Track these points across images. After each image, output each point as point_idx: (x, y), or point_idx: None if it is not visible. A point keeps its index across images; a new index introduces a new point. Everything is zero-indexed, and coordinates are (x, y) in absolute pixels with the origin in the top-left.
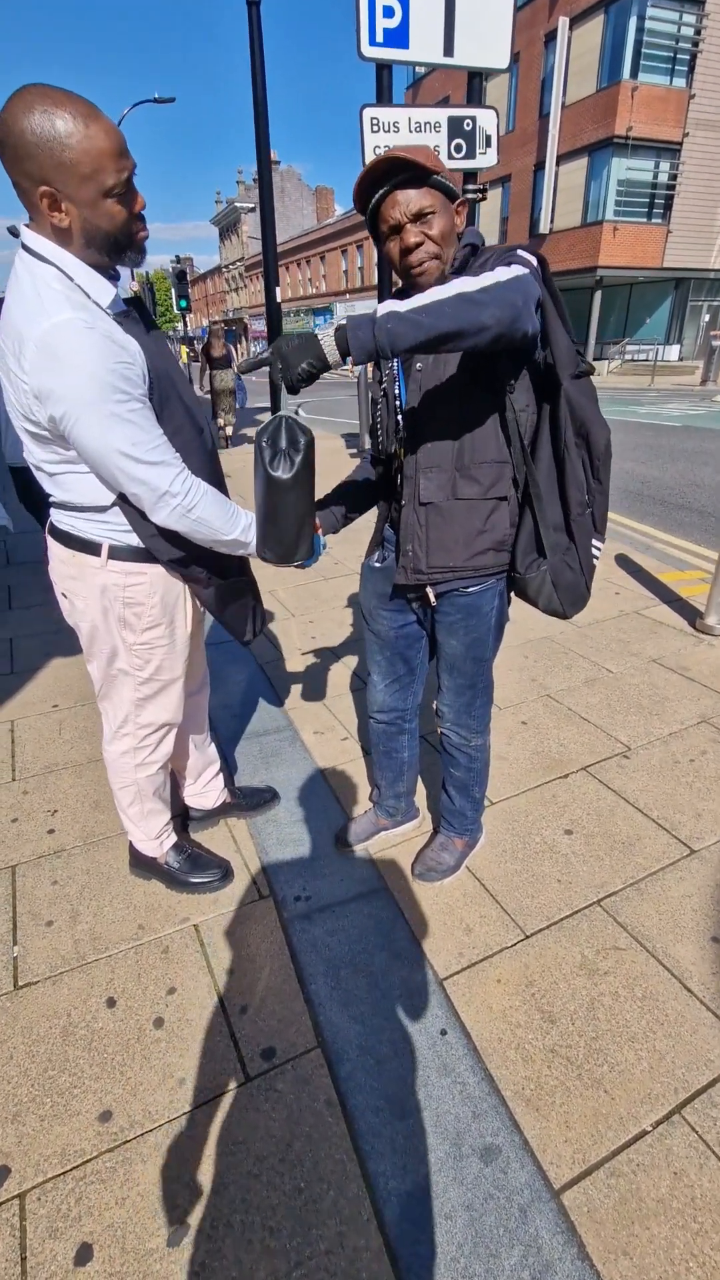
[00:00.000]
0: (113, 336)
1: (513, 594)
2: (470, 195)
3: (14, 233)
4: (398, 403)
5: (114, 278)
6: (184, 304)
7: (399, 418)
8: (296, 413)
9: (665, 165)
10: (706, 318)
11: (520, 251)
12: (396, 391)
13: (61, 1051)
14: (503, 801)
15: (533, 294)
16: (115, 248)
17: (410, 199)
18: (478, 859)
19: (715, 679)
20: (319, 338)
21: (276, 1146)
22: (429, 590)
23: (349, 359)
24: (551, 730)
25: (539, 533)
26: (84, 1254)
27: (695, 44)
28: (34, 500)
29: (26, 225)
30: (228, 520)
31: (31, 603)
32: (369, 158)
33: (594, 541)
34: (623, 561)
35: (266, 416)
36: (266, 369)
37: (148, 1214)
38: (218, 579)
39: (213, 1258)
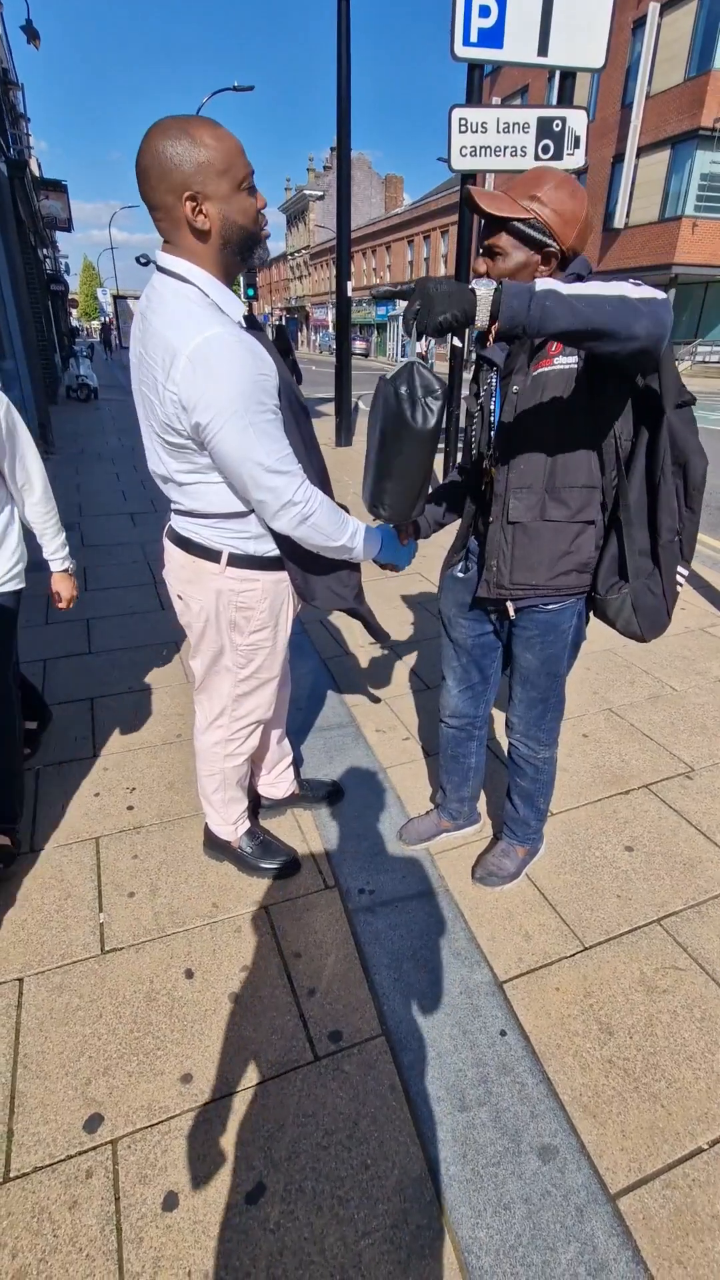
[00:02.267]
0: (254, 350)
1: (591, 613)
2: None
3: (143, 261)
4: (492, 418)
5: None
6: (251, 292)
7: (491, 434)
8: (425, 359)
9: None
10: None
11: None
12: (492, 407)
13: (145, 1015)
14: (563, 813)
15: (669, 318)
16: (250, 242)
17: (485, 232)
18: (537, 868)
19: None
20: (475, 291)
21: (344, 1123)
22: (509, 605)
23: (493, 326)
24: (613, 745)
25: (623, 556)
26: (170, 1201)
27: None
28: None
29: (161, 250)
30: (338, 527)
31: (108, 585)
32: (456, 160)
33: (679, 568)
34: (691, 577)
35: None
36: (399, 301)
37: (227, 1171)
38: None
39: (287, 1218)
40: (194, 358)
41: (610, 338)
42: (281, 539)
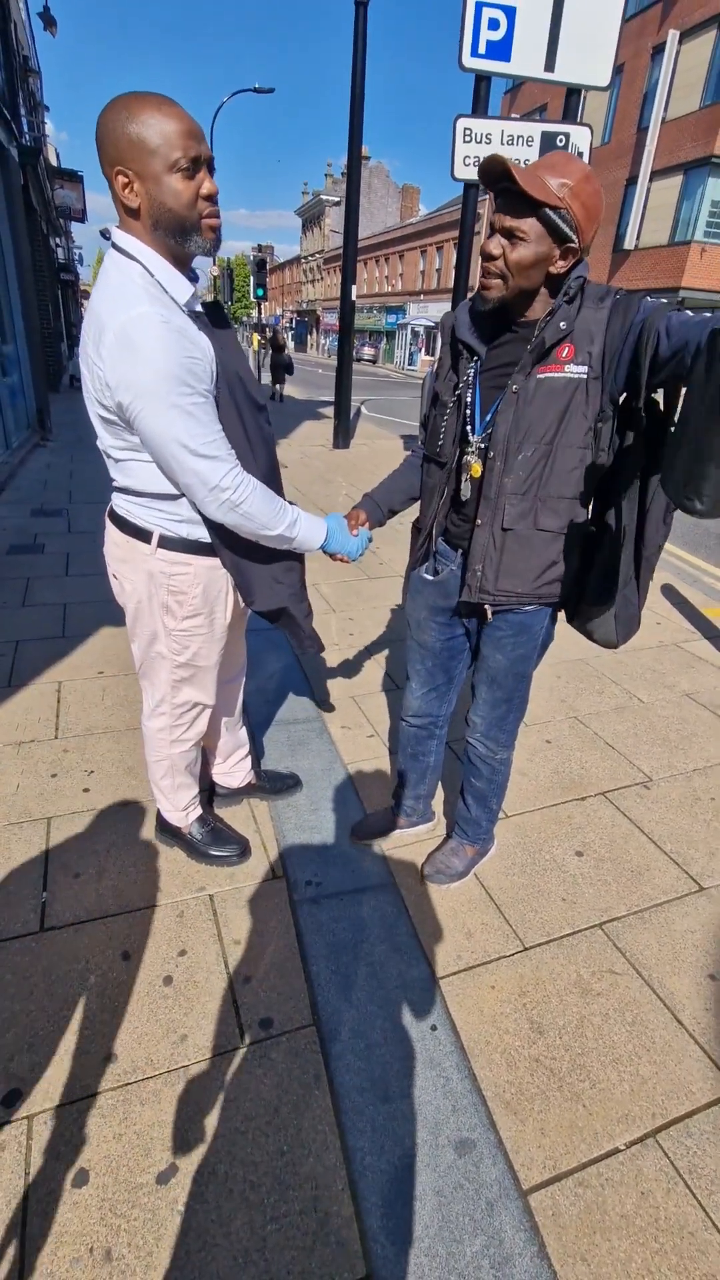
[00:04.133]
0: (185, 332)
1: (565, 618)
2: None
3: (105, 234)
4: (468, 411)
5: (193, 279)
6: (260, 293)
7: (468, 427)
8: None
9: None
10: None
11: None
12: (469, 399)
13: (77, 994)
14: (517, 816)
15: None
16: (181, 229)
17: (509, 210)
18: (486, 868)
19: None
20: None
21: (264, 1110)
22: (488, 608)
23: None
24: (574, 752)
25: (612, 571)
26: (81, 1177)
27: None
28: None
29: (116, 226)
30: (274, 515)
31: (88, 571)
32: (458, 169)
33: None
34: (669, 592)
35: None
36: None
37: (141, 1151)
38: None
39: (196, 1200)
40: (119, 335)
41: None
42: (218, 531)
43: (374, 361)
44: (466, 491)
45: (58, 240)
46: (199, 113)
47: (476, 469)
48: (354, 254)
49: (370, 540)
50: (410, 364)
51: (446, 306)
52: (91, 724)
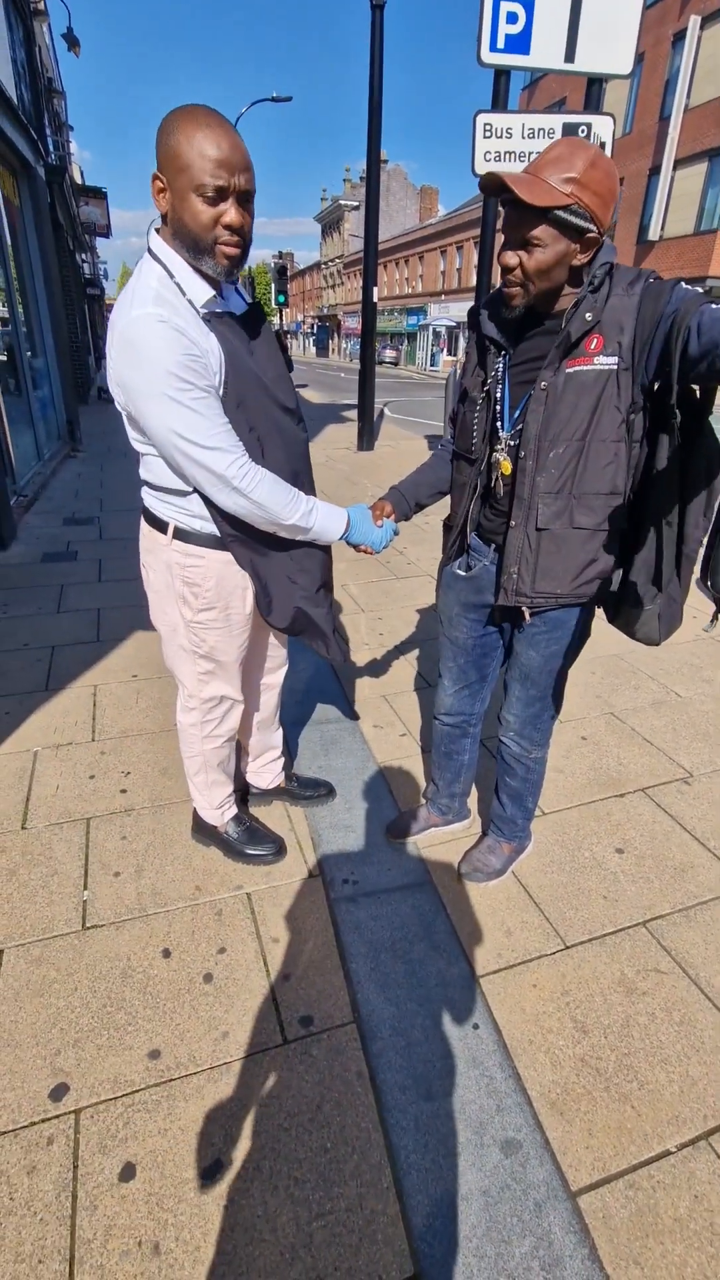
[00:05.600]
0: (185, 331)
1: (605, 616)
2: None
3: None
4: (498, 408)
5: (219, 284)
6: (281, 299)
7: (498, 424)
8: None
9: None
10: None
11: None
12: (499, 395)
13: (119, 991)
14: (555, 813)
15: None
16: (195, 247)
17: (517, 222)
18: (524, 866)
19: None
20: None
21: (307, 1107)
22: (525, 610)
23: None
24: (612, 748)
25: (660, 568)
26: (128, 1172)
27: None
28: None
29: (153, 228)
30: (287, 505)
31: (120, 577)
32: (479, 164)
33: (697, 570)
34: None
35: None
36: None
37: (186, 1147)
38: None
39: (241, 1195)
40: (121, 336)
41: None
42: (233, 526)
43: (396, 364)
44: (499, 489)
45: (83, 256)
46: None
47: (507, 466)
48: (374, 256)
49: (396, 533)
50: (433, 365)
51: (468, 306)
52: (127, 726)
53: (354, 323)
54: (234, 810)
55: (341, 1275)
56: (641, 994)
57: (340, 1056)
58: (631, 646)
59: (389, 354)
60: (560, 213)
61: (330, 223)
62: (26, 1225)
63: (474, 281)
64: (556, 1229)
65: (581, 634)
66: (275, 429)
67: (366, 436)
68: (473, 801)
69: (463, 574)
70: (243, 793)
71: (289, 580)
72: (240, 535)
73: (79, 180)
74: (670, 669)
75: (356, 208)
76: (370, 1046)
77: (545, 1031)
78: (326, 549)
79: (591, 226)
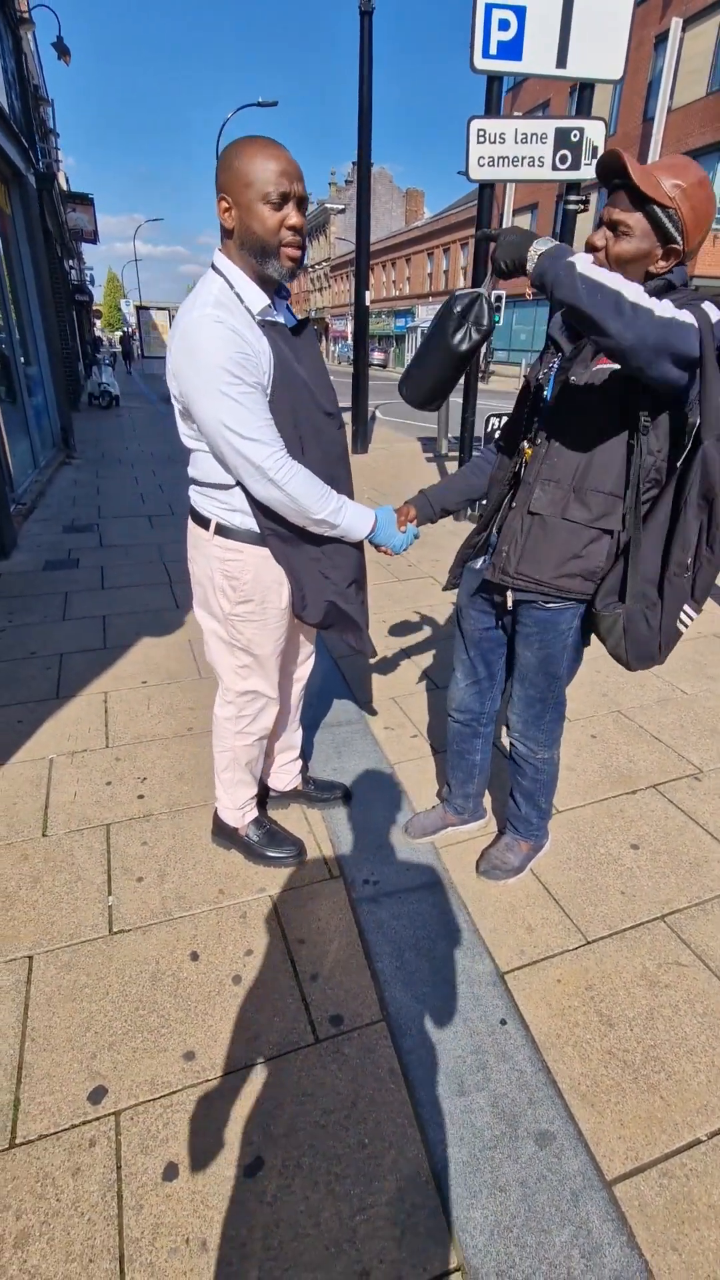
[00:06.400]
0: (239, 332)
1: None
2: (571, 207)
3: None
4: (541, 404)
5: (284, 295)
6: None
7: (537, 417)
8: (492, 297)
9: None
10: None
11: (708, 304)
12: (545, 392)
13: (151, 995)
14: (569, 811)
15: (678, 343)
16: (262, 250)
17: (618, 204)
18: (542, 864)
19: None
20: (531, 245)
21: (342, 1104)
22: (508, 594)
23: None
24: (621, 746)
25: (627, 577)
26: (170, 1171)
27: None
28: None
29: (218, 249)
30: (318, 500)
31: (123, 583)
32: (474, 170)
33: (686, 608)
34: None
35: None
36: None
37: (227, 1145)
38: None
39: (284, 1192)
40: (183, 333)
41: (591, 326)
42: (270, 519)
43: (384, 366)
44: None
45: (71, 262)
46: (204, 131)
47: (529, 453)
48: (366, 260)
49: (417, 537)
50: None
51: None
52: (140, 732)
53: (342, 325)
54: (255, 813)
55: (386, 1268)
56: (664, 987)
57: (372, 1054)
58: None
59: (377, 356)
60: (657, 209)
61: (316, 226)
62: (75, 1225)
63: (462, 283)
64: (594, 1218)
65: (576, 641)
66: (315, 430)
67: (360, 439)
68: (488, 802)
69: (477, 568)
70: (261, 797)
71: (322, 576)
72: (277, 529)
73: (65, 186)
74: (674, 666)
75: (342, 211)
76: (401, 1044)
77: (572, 1025)
78: (359, 546)
79: (678, 238)
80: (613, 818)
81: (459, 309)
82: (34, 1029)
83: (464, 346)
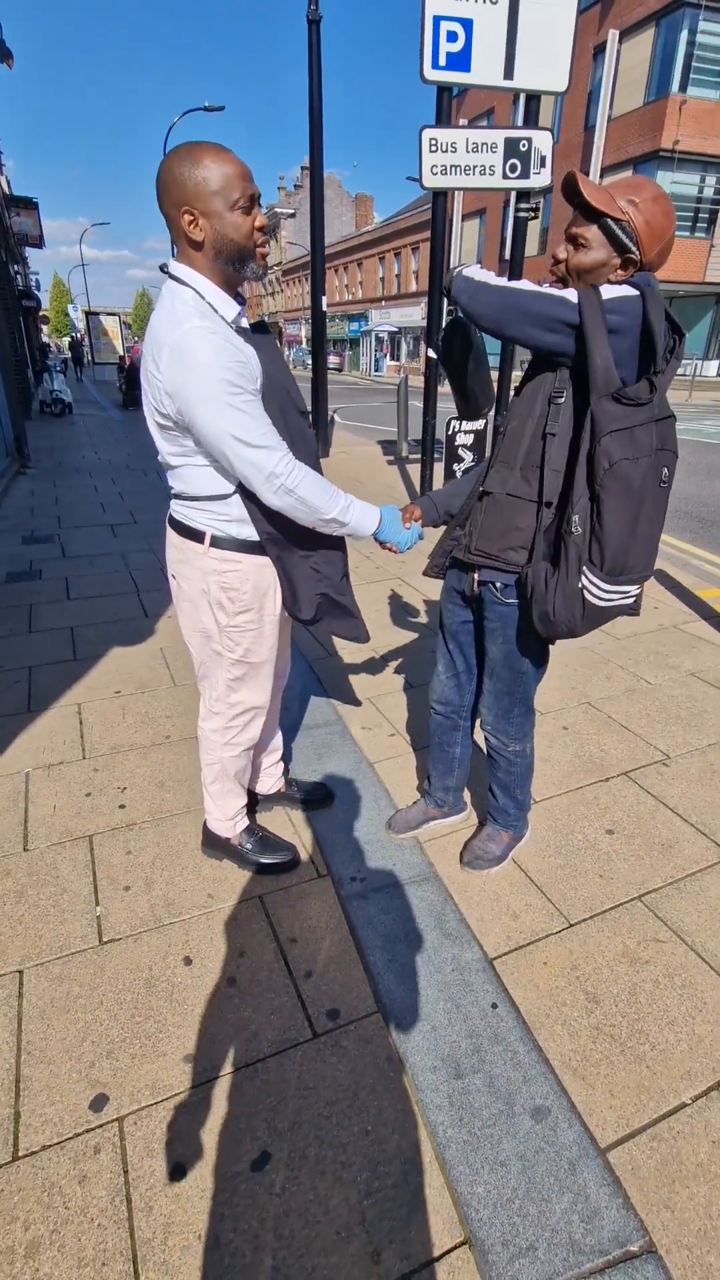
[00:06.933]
0: (231, 341)
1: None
2: (522, 214)
3: (164, 269)
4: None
5: (240, 301)
6: None
7: (507, 410)
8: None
9: (711, 179)
10: None
11: (608, 286)
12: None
13: (146, 1001)
14: (546, 800)
15: (535, 307)
16: (240, 256)
17: (574, 218)
18: (522, 852)
19: None
20: (452, 270)
21: (344, 1094)
22: (474, 576)
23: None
24: (592, 736)
25: (535, 539)
26: (178, 1171)
27: None
28: None
29: (173, 259)
30: (327, 500)
31: (89, 594)
32: (427, 178)
33: (588, 573)
34: (661, 577)
35: None
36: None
37: (233, 1142)
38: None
39: (292, 1183)
40: (174, 349)
41: (464, 309)
42: (269, 522)
43: (339, 370)
44: None
45: (16, 267)
46: (150, 134)
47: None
48: (322, 265)
49: (421, 537)
50: (377, 370)
51: (410, 311)
52: (117, 742)
53: (295, 329)
54: (246, 821)
55: (398, 1246)
56: (644, 963)
57: (370, 1045)
58: (599, 639)
59: (333, 360)
60: (610, 222)
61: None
62: (86, 1232)
63: (415, 286)
64: (591, 1184)
65: (539, 634)
66: (300, 431)
67: (321, 443)
68: (468, 797)
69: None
70: (250, 804)
71: (314, 571)
72: (274, 533)
73: (8, 190)
74: (638, 657)
75: (292, 215)
76: (397, 1033)
77: (560, 1005)
78: (342, 543)
79: (634, 250)
80: (588, 805)
81: (444, 334)
82: (29, 1042)
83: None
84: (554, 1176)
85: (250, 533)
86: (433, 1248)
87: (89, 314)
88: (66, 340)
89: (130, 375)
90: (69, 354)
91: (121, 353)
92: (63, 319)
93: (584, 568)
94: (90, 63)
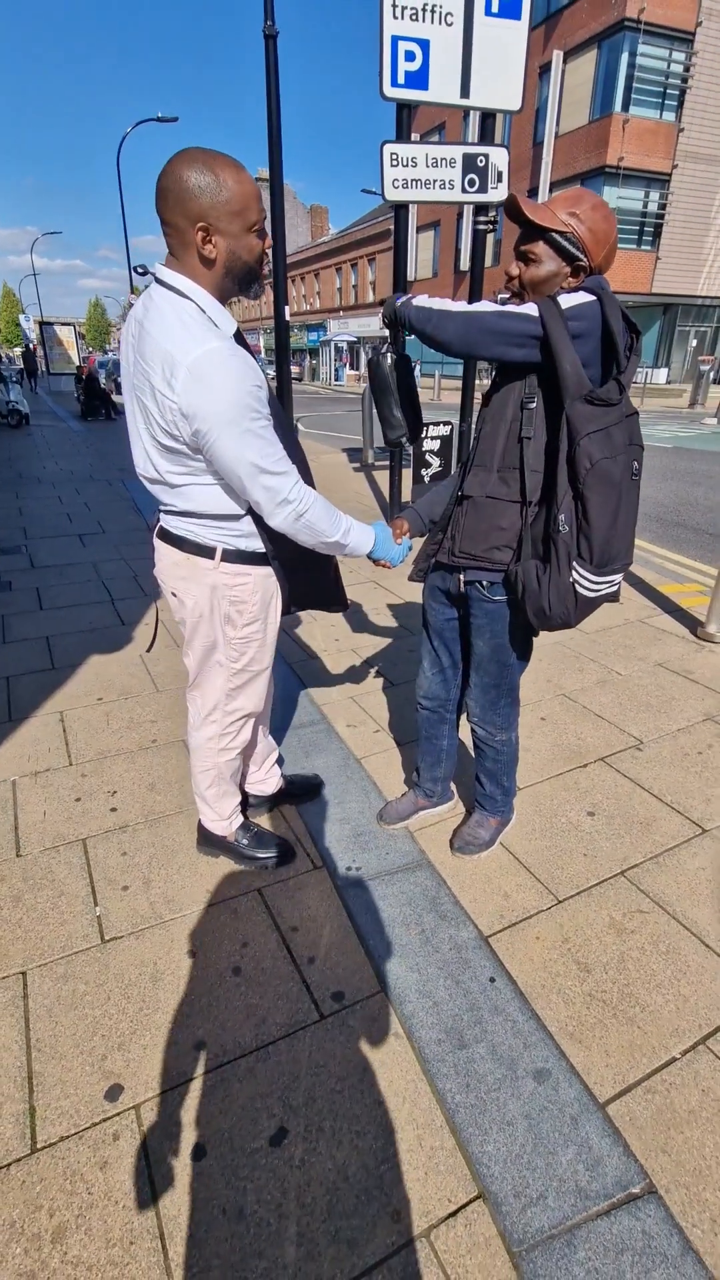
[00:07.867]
0: (248, 363)
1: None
2: (481, 227)
3: (141, 271)
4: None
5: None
6: None
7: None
8: (382, 347)
9: (655, 195)
10: (694, 343)
11: (565, 295)
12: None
13: (153, 994)
14: (529, 787)
15: (500, 326)
16: (249, 276)
17: (523, 238)
18: (509, 837)
19: (718, 681)
20: (392, 303)
21: (354, 1070)
22: (460, 577)
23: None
24: (569, 725)
25: (521, 538)
26: (198, 1151)
27: (684, 80)
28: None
29: (162, 264)
30: (332, 524)
31: (62, 604)
32: (389, 191)
33: (578, 567)
34: (625, 575)
35: None
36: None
37: (249, 1120)
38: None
39: (310, 1154)
40: (194, 370)
41: (427, 338)
42: (274, 540)
43: (300, 379)
44: None
45: None
46: (103, 144)
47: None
48: (284, 275)
49: (410, 549)
50: (337, 380)
51: (368, 321)
52: (103, 748)
53: (254, 339)
54: (241, 818)
55: (416, 1204)
56: (630, 933)
57: (376, 1023)
58: (570, 634)
59: (293, 370)
60: (556, 236)
61: None
62: (111, 1214)
63: (371, 298)
64: (593, 1136)
65: (524, 629)
66: (293, 447)
67: None
68: (455, 787)
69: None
70: (242, 802)
71: (305, 568)
72: (277, 548)
73: None
74: (607, 650)
75: None
76: (401, 1010)
77: (554, 975)
78: None
79: (582, 257)
80: (569, 790)
81: (380, 351)
82: (39, 1040)
83: (389, 362)
84: (558, 1131)
85: (258, 544)
86: (449, 1203)
87: (43, 324)
88: (19, 350)
89: (89, 385)
90: (22, 365)
91: (79, 363)
92: (14, 329)
93: (574, 563)
94: (41, 70)
